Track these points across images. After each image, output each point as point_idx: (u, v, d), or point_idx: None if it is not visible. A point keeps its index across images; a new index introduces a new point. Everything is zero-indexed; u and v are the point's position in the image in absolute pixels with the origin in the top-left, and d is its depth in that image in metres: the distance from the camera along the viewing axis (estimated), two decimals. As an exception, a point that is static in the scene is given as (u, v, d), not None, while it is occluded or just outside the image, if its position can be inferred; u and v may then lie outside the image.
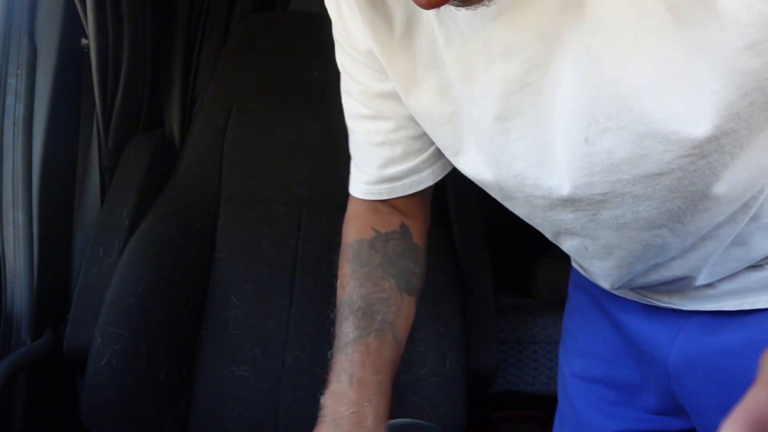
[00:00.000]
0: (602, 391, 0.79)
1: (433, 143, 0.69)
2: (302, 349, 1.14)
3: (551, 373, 1.56)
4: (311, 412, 1.11)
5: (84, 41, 1.14)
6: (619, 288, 0.68)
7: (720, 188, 0.52)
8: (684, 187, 0.52)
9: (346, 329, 0.68)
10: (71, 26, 1.13)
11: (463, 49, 0.55)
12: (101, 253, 1.10)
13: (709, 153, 0.48)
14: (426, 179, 0.72)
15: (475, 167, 0.61)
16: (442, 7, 0.46)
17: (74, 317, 1.05)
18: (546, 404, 1.58)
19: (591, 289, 0.78)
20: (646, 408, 0.75)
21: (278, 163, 1.26)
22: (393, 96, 0.66)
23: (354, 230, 0.74)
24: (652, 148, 0.49)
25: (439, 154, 0.70)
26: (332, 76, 1.41)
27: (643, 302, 0.70)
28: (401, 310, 0.70)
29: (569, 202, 0.57)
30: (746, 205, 0.53)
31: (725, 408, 0.65)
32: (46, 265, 1.09)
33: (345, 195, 1.22)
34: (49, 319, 1.10)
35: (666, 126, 0.47)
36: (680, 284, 0.63)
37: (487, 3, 0.47)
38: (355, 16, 0.63)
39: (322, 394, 0.66)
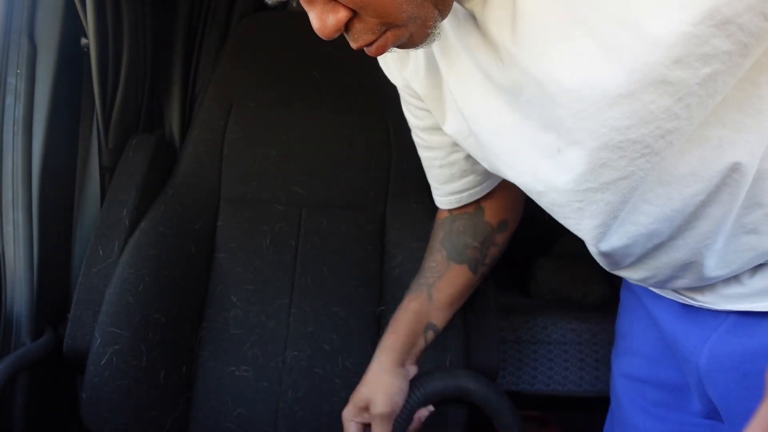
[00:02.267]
0: (648, 391, 0.79)
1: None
2: (302, 349, 1.14)
3: (551, 373, 1.56)
4: (311, 412, 1.11)
5: (84, 41, 1.14)
6: (629, 273, 0.70)
7: (677, 168, 0.55)
8: (647, 185, 0.56)
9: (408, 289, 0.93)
10: (71, 26, 1.13)
11: (459, 71, 0.63)
12: (101, 252, 1.10)
13: (659, 150, 0.53)
14: (488, 186, 0.87)
15: (491, 171, 0.71)
16: (441, 39, 0.55)
17: (74, 317, 1.05)
18: (546, 404, 1.58)
19: (636, 289, 0.80)
20: (692, 411, 0.75)
21: (278, 163, 1.26)
22: (434, 129, 0.79)
23: (439, 212, 0.94)
24: (608, 158, 0.54)
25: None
26: (332, 76, 1.42)
27: (681, 301, 0.71)
28: (446, 275, 0.91)
29: (556, 207, 0.63)
30: (725, 184, 0.55)
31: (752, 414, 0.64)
32: (46, 265, 1.09)
33: (344, 195, 1.23)
34: (49, 319, 1.10)
35: (614, 137, 0.52)
36: (693, 271, 0.63)
37: (432, 41, 0.55)
38: (392, 56, 0.73)
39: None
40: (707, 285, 0.66)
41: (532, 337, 1.57)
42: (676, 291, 0.71)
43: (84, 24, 1.09)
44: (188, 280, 1.14)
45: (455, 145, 0.80)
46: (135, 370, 1.00)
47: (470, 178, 0.85)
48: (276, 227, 1.22)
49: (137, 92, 1.26)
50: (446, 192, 0.88)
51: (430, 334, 0.92)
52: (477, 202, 0.89)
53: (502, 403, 0.93)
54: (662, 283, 0.70)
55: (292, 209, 1.24)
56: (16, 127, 1.07)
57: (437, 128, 0.78)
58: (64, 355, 1.05)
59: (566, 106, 0.53)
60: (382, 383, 0.85)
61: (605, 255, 0.67)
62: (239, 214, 1.23)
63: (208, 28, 1.40)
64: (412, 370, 0.91)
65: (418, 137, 0.84)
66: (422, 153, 0.86)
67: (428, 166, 0.87)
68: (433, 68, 0.69)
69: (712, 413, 0.72)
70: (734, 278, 0.63)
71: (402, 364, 0.88)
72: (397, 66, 0.75)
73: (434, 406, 0.93)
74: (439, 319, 0.92)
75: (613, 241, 0.63)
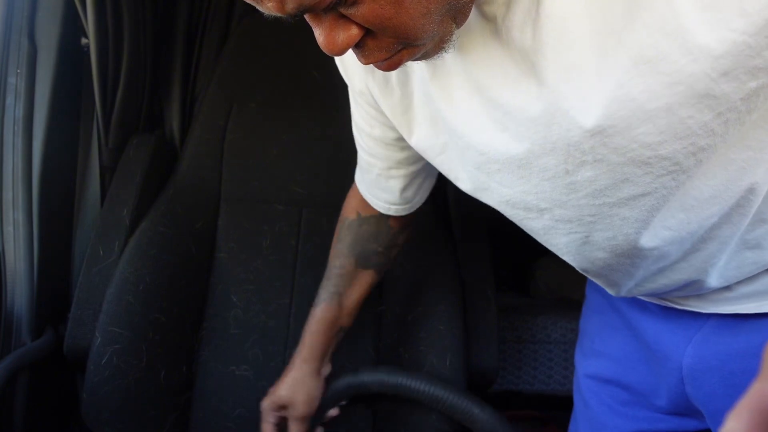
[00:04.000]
0: (615, 391, 0.80)
1: (420, 178, 0.83)
2: (302, 349, 1.14)
3: (551, 373, 1.56)
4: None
5: (84, 41, 1.14)
6: (627, 294, 0.69)
7: (701, 192, 0.53)
8: (668, 203, 0.54)
9: (318, 292, 0.97)
10: (71, 26, 1.13)
11: (448, 81, 0.58)
12: (101, 252, 1.10)
13: (688, 168, 0.50)
14: (408, 210, 0.88)
15: (472, 192, 0.66)
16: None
17: (74, 317, 1.05)
18: (546, 404, 1.58)
19: (605, 291, 0.79)
20: (659, 409, 0.75)
21: (278, 163, 1.26)
22: (384, 141, 0.75)
23: (347, 207, 0.95)
24: (632, 173, 0.51)
25: (425, 188, 0.86)
26: (332, 76, 1.41)
27: (662, 304, 0.70)
28: (354, 282, 0.96)
29: (561, 222, 0.59)
30: (739, 205, 0.54)
31: None
32: (46, 265, 1.09)
33: (344, 195, 1.23)
34: (49, 319, 1.10)
35: (643, 153, 0.49)
36: (693, 287, 0.63)
37: (445, 53, 0.51)
38: (354, 58, 0.64)
39: None
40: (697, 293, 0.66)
41: (532, 337, 1.57)
42: (661, 297, 0.71)
43: (84, 24, 1.09)
44: (188, 280, 1.14)
45: (400, 163, 0.78)
46: (135, 369, 1.00)
47: (401, 195, 0.84)
48: (276, 227, 1.22)
49: (137, 92, 1.26)
50: (375, 196, 0.86)
51: (341, 335, 0.99)
52: None
53: (402, 382, 0.99)
54: (653, 296, 0.70)
55: (292, 209, 1.24)
56: (16, 127, 1.07)
57: (387, 141, 0.75)
58: (65, 354, 1.05)
59: (588, 125, 0.49)
60: (302, 390, 0.95)
61: (601, 275, 0.66)
62: (239, 214, 1.23)
63: (208, 28, 1.40)
64: (327, 368, 1.00)
65: (363, 141, 0.79)
66: (363, 156, 0.82)
67: (363, 168, 0.84)
68: (402, 78, 0.65)
69: (682, 410, 0.72)
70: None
71: (319, 371, 0.97)
72: (358, 71, 0.70)
73: (346, 402, 1.04)
74: (349, 321, 0.98)
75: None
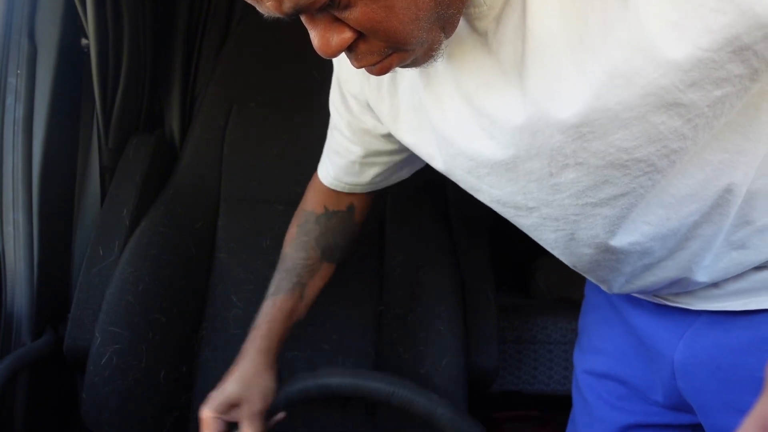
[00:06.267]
0: (611, 386, 0.81)
1: (393, 169, 0.86)
2: (302, 349, 1.14)
3: (551, 373, 1.56)
4: (310, 411, 1.11)
5: (84, 41, 1.14)
6: (619, 291, 0.71)
7: (679, 190, 0.56)
8: (645, 200, 0.57)
9: (273, 282, 0.93)
10: (71, 26, 1.13)
11: (439, 91, 0.61)
12: (101, 252, 1.10)
13: (662, 168, 0.54)
14: (380, 187, 0.90)
15: (466, 190, 0.69)
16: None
17: (74, 317, 1.05)
18: (546, 404, 1.58)
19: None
20: (654, 403, 0.77)
21: (278, 163, 1.26)
22: (369, 132, 0.78)
23: (311, 201, 0.96)
24: (611, 175, 0.55)
25: (394, 179, 0.89)
26: (331, 75, 1.41)
27: (655, 302, 0.73)
28: (317, 274, 0.95)
29: (548, 220, 0.63)
30: (718, 204, 0.57)
31: (729, 406, 0.67)
32: (46, 265, 1.09)
33: (345, 195, 1.22)
34: (49, 319, 1.10)
35: (620, 156, 0.53)
36: (681, 285, 0.65)
37: (434, 61, 0.54)
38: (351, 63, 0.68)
39: None
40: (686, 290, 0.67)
41: (532, 337, 1.58)
42: (653, 294, 0.72)
43: (84, 24, 1.09)
44: (188, 280, 1.14)
45: (378, 153, 0.81)
46: (135, 370, 1.00)
47: (372, 180, 0.86)
48: (276, 227, 1.22)
49: (137, 92, 1.26)
50: (342, 179, 0.88)
51: (294, 328, 0.95)
52: (350, 201, 0.93)
53: (365, 384, 0.94)
54: (645, 293, 0.72)
55: (292, 209, 1.24)
56: (16, 127, 1.07)
57: (373, 134, 0.78)
58: (64, 354, 1.05)
59: (569, 132, 0.52)
60: (257, 384, 0.87)
61: (590, 271, 0.68)
62: (239, 214, 1.23)
63: (208, 28, 1.40)
64: (276, 364, 0.94)
65: (347, 129, 0.81)
66: (341, 140, 0.84)
67: (340, 153, 0.85)
68: (391, 90, 0.68)
69: (676, 404, 0.74)
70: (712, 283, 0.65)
71: (273, 364, 0.91)
72: (355, 77, 0.73)
73: (300, 403, 0.95)
74: (306, 313, 0.96)
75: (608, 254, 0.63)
